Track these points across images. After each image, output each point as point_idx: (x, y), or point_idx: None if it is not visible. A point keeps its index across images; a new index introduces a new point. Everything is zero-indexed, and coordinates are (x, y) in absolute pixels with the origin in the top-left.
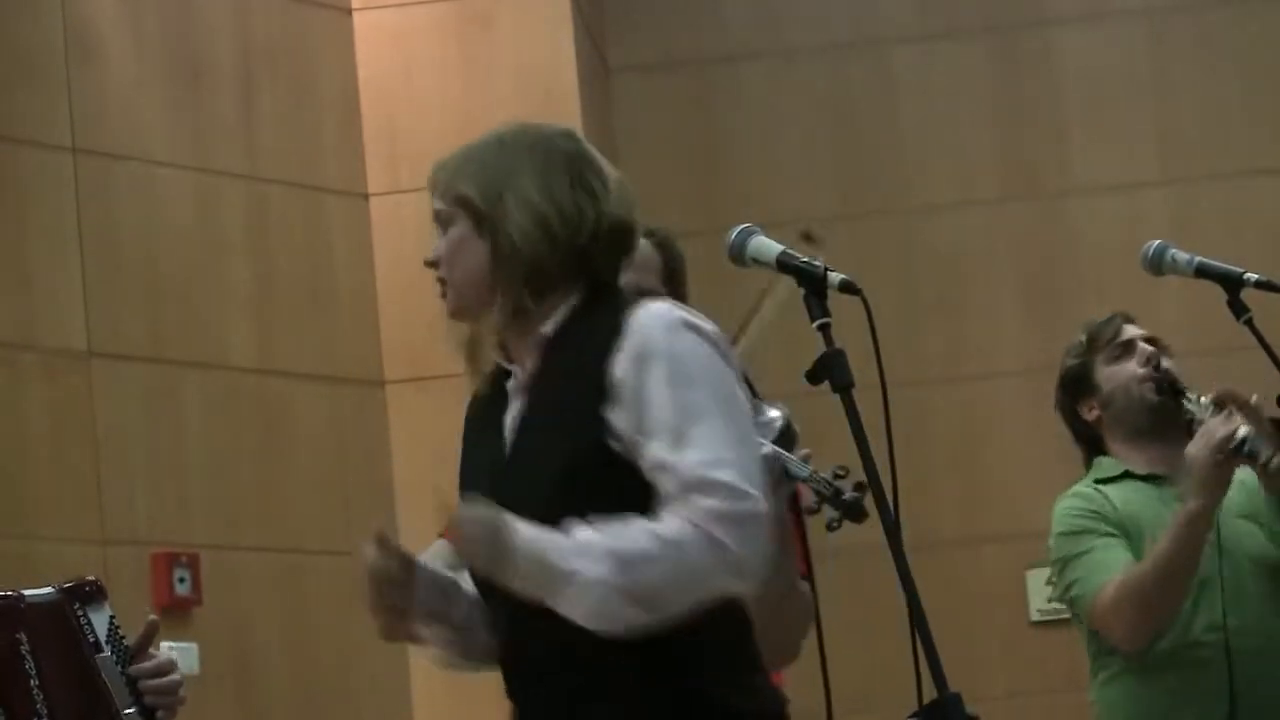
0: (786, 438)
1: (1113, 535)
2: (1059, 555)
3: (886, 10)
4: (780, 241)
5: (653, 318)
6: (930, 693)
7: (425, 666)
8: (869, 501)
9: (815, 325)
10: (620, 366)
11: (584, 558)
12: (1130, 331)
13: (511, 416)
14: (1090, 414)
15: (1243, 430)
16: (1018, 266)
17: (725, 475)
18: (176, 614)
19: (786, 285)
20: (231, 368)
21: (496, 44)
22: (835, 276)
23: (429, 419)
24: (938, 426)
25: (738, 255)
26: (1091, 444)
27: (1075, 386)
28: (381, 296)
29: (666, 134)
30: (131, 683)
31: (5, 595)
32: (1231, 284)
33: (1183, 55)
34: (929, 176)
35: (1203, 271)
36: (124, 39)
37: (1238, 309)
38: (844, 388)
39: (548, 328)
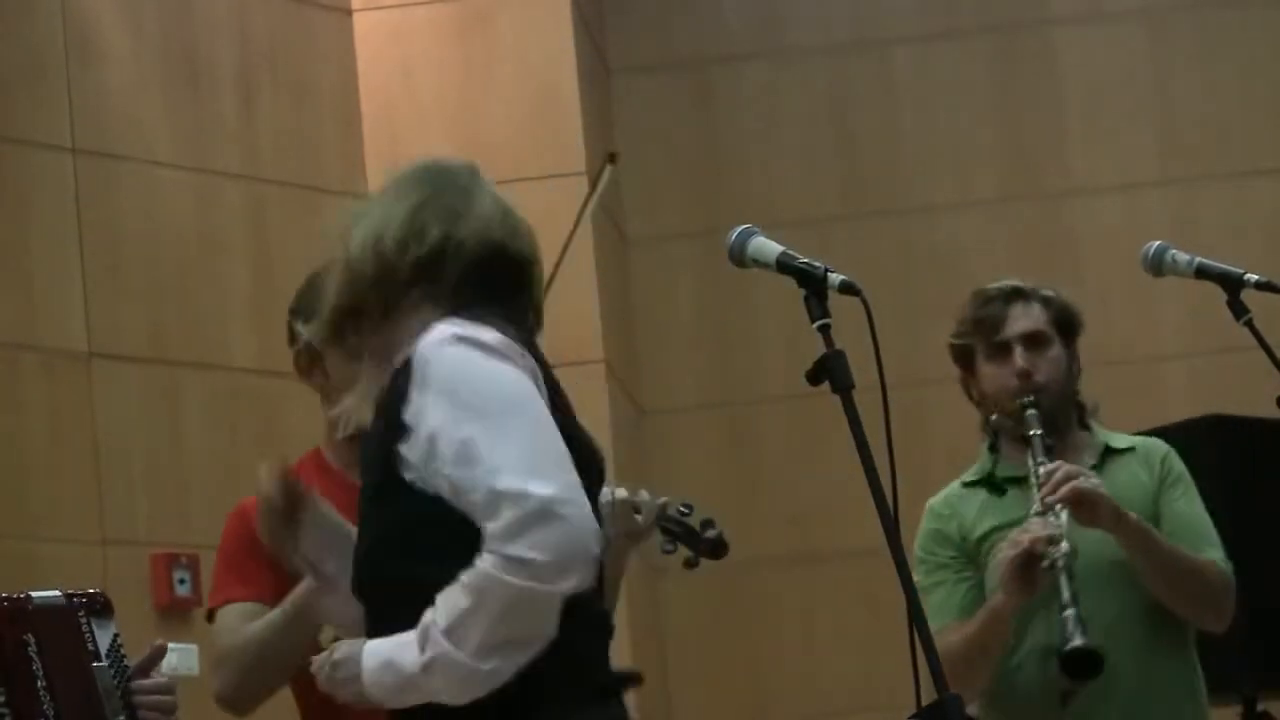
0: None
1: (952, 569)
2: (918, 576)
3: (886, 10)
4: (780, 242)
5: (427, 341)
6: (930, 693)
7: None
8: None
9: (815, 326)
10: (409, 397)
11: (415, 648)
12: (1010, 330)
13: None
14: (975, 396)
15: (1054, 554)
16: (1018, 267)
17: (504, 482)
18: (176, 615)
19: (610, 173)
20: (231, 368)
21: (496, 44)
22: (835, 277)
23: None
24: (937, 427)
25: (738, 255)
26: (986, 418)
27: (962, 363)
28: None
29: (666, 134)
30: (126, 696)
31: (14, 596)
32: (1231, 285)
33: (1183, 55)
34: (929, 177)
35: (1203, 272)
36: (124, 40)
37: (1238, 310)
38: (844, 389)
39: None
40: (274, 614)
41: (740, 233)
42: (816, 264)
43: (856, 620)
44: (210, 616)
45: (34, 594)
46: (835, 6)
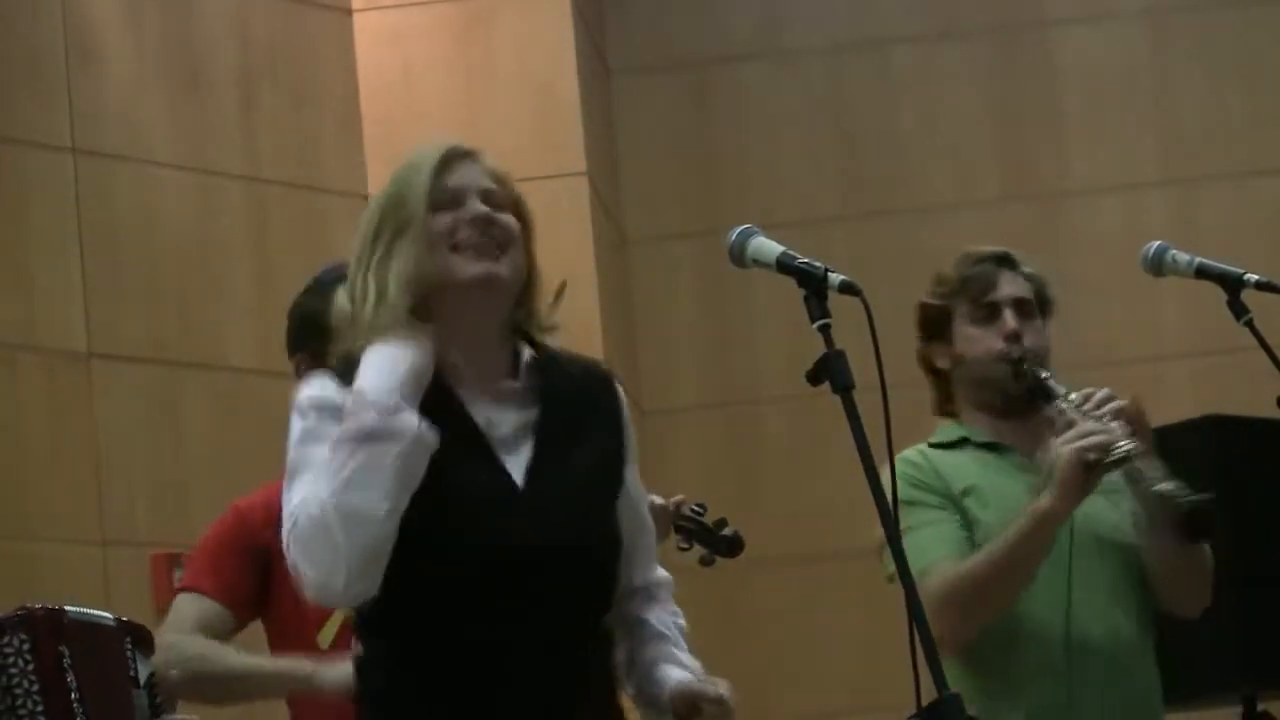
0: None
1: (938, 509)
2: (904, 521)
3: (886, 11)
4: (780, 242)
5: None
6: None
7: None
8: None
9: (815, 326)
10: (627, 423)
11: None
12: (1001, 292)
13: (517, 459)
14: (941, 363)
15: (1126, 444)
16: None
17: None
18: None
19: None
20: (231, 368)
21: (497, 45)
22: (835, 277)
23: None
24: (936, 427)
25: (738, 256)
26: (937, 388)
27: (932, 328)
28: None
29: (666, 134)
30: None
31: (49, 608)
32: (1232, 285)
33: (1183, 56)
34: (928, 177)
35: (1203, 272)
36: (124, 40)
37: (1238, 310)
38: (844, 389)
39: (518, 379)
40: (264, 667)
41: (740, 233)
42: (816, 264)
43: (856, 620)
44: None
45: (82, 610)
46: (835, 6)
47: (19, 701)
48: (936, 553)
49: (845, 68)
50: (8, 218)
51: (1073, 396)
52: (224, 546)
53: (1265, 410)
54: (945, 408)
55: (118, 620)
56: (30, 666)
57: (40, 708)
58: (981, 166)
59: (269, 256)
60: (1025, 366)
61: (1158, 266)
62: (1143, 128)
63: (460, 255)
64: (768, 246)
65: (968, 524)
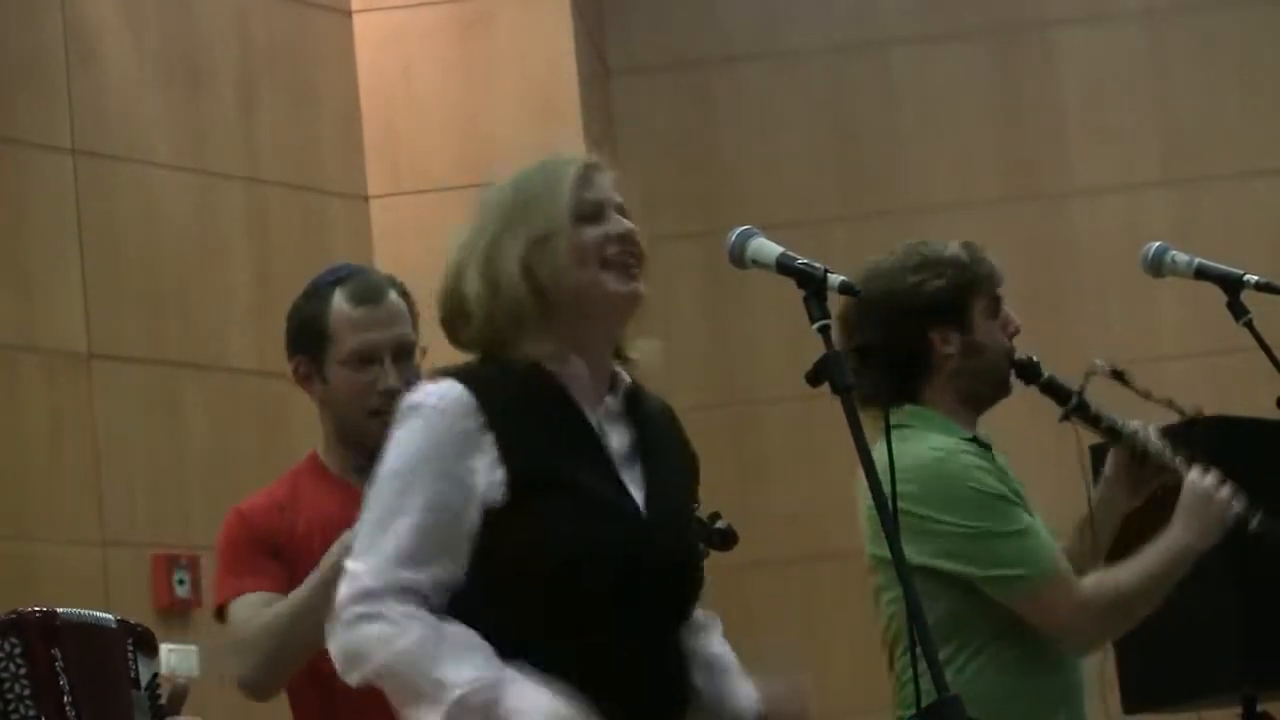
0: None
1: (1026, 511)
2: (976, 525)
3: (886, 11)
4: (780, 243)
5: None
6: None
7: None
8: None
9: (815, 327)
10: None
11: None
12: (1000, 288)
13: (632, 477)
14: (942, 347)
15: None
16: (1017, 268)
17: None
18: (176, 616)
19: None
20: (231, 369)
21: (496, 46)
22: (835, 278)
23: None
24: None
25: (737, 257)
26: (907, 371)
27: (939, 312)
28: None
29: (666, 134)
30: None
31: (41, 610)
32: (1231, 285)
33: (1183, 56)
34: (929, 178)
35: (1202, 273)
36: (124, 41)
37: (1238, 311)
38: (844, 390)
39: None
40: (300, 590)
41: (740, 234)
42: (816, 265)
43: (857, 620)
44: (220, 613)
45: (79, 611)
46: (835, 7)
47: (11, 705)
48: (1051, 556)
49: (845, 68)
50: (8, 218)
51: (1134, 424)
52: (243, 548)
53: (1265, 411)
54: (903, 391)
55: (119, 621)
56: (22, 670)
57: (33, 712)
58: (981, 167)
59: (269, 257)
60: (1039, 365)
61: (1157, 267)
62: (1143, 128)
63: (610, 272)
64: (767, 247)
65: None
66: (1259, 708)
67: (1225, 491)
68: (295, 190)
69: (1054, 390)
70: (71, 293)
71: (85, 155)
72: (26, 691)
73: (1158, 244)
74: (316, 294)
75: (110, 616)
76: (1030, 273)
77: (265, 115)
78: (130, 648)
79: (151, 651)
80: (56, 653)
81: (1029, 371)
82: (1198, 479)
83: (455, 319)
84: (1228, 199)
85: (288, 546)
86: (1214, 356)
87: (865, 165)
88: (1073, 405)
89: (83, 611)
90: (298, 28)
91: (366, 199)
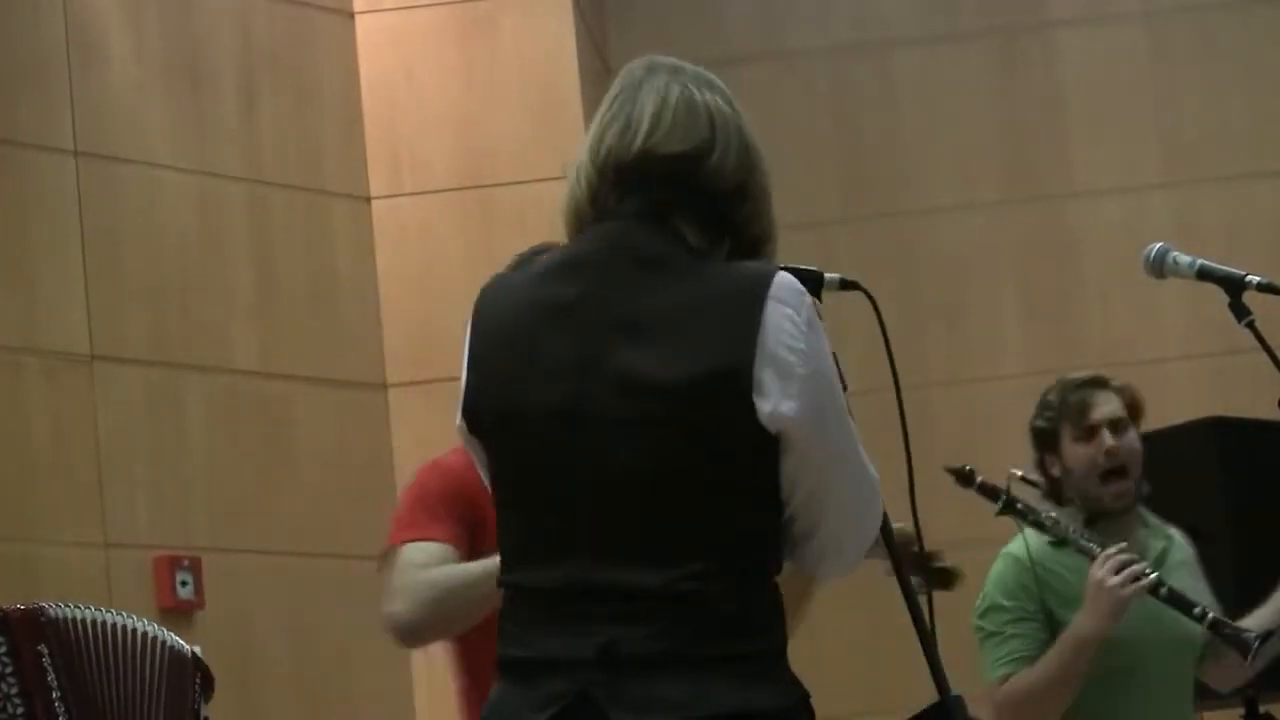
0: None
1: (1026, 619)
2: (981, 625)
3: (888, 13)
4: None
5: None
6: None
7: (427, 668)
8: None
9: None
10: None
11: None
12: (1097, 414)
13: None
14: (1053, 470)
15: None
16: (1019, 269)
17: None
18: (178, 617)
19: None
20: (233, 371)
21: (498, 47)
22: (833, 277)
23: (431, 422)
24: (939, 429)
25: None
26: (1054, 493)
27: (1042, 442)
28: (383, 300)
29: None
30: None
31: (25, 607)
32: (1233, 286)
33: (1184, 58)
34: (930, 179)
35: (1204, 274)
36: (126, 42)
37: (1240, 311)
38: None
39: None
40: (482, 565)
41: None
42: (813, 269)
43: (858, 623)
44: (390, 552)
45: (163, 635)
46: (836, 8)
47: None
48: (1008, 661)
49: (846, 69)
50: (10, 220)
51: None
52: (435, 498)
53: (1266, 411)
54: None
55: (194, 656)
56: (9, 669)
57: (21, 709)
58: (983, 169)
59: (270, 258)
60: (973, 473)
61: (1159, 268)
62: (1144, 130)
63: None
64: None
65: (1060, 623)
66: (1260, 709)
67: (1122, 575)
68: (297, 191)
69: (986, 492)
70: (73, 294)
71: (87, 156)
72: (15, 690)
73: (1159, 245)
74: None
75: (187, 646)
76: (1032, 274)
77: (267, 116)
78: (198, 679)
79: (210, 690)
80: (43, 649)
81: (963, 478)
82: (1094, 569)
83: None
84: (1229, 200)
85: (474, 510)
86: (1216, 357)
87: (866, 167)
88: (1003, 503)
89: (165, 634)
90: (300, 29)
91: (368, 200)
